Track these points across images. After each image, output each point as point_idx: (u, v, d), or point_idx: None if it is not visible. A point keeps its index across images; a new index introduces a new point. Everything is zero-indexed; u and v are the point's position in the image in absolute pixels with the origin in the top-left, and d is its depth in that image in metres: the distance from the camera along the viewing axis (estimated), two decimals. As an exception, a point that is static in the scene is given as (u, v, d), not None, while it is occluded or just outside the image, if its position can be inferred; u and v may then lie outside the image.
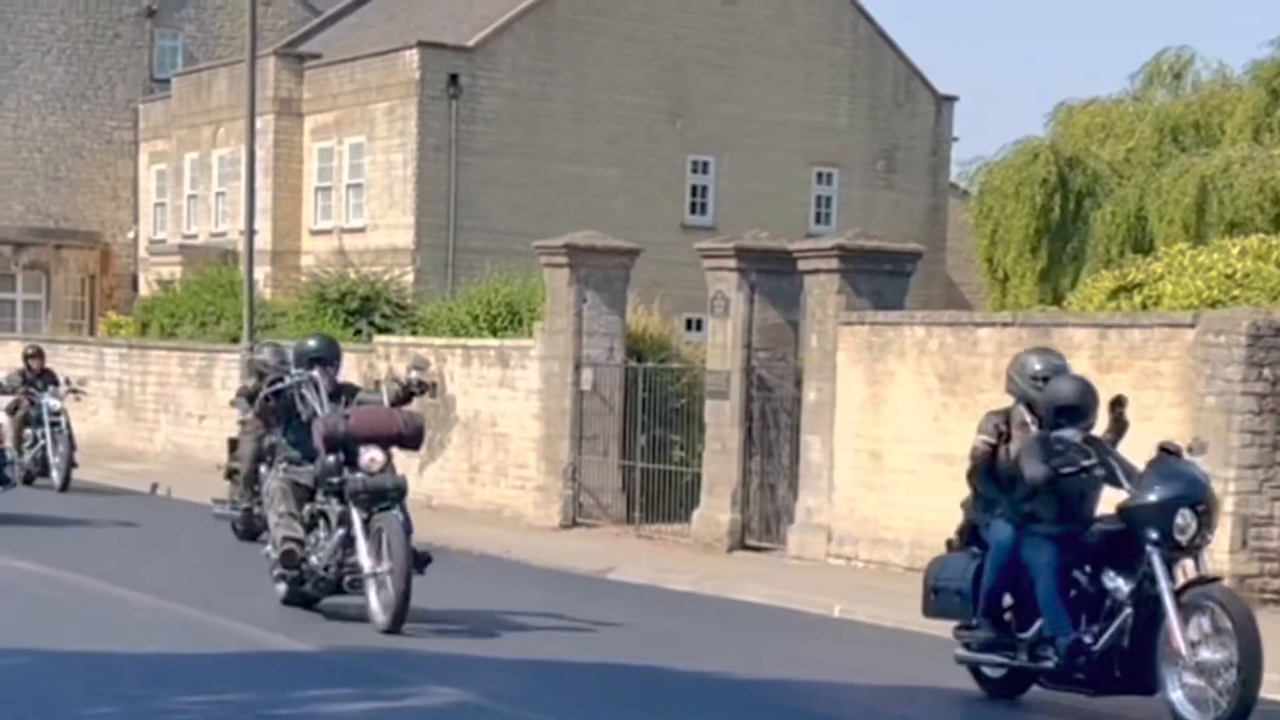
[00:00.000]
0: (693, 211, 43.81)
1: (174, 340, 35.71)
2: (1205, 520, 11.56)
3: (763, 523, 21.75)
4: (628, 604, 17.54)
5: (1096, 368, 17.71)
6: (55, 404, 27.31)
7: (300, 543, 14.86)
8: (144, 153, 50.85)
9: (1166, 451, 11.94)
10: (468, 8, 44.28)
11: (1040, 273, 39.89)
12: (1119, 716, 12.07)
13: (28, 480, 25.80)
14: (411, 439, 15.08)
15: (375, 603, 14.30)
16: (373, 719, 11.13)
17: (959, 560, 12.66)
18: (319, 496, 14.97)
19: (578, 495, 24.04)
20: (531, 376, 24.65)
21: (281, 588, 15.35)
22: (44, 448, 26.95)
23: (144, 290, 46.81)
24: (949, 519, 18.97)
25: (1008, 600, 12.28)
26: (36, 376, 27.83)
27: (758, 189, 43.21)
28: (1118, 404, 12.47)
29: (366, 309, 32.52)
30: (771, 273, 21.71)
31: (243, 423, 21.65)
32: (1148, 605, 11.47)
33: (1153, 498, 11.52)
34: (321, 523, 14.96)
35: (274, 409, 15.66)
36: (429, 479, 25.68)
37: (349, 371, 28.92)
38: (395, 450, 14.88)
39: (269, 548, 15.35)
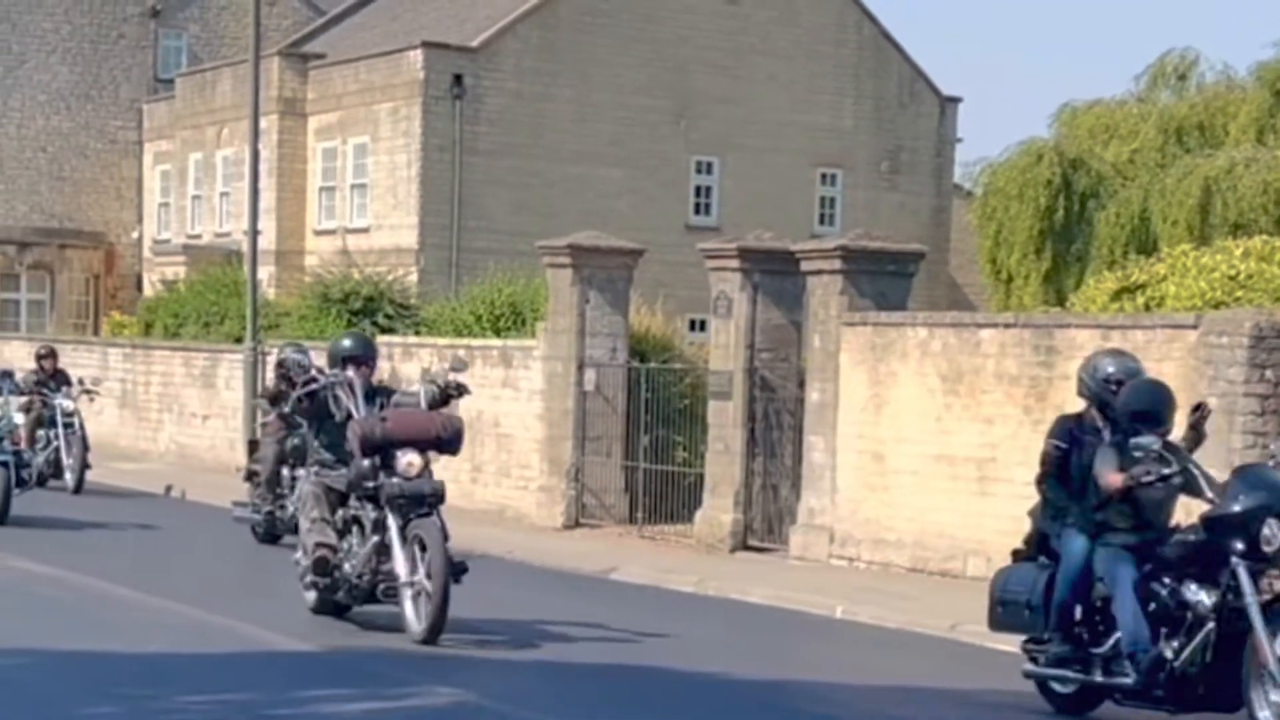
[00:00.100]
0: (696, 212, 43.80)
1: (178, 340, 35.73)
2: None
3: (765, 523, 21.75)
4: (630, 605, 17.54)
5: (1099, 369, 17.71)
6: (68, 405, 26.94)
7: (333, 549, 14.30)
8: (148, 153, 50.89)
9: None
10: (471, 8, 44.29)
11: (1044, 274, 39.83)
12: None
13: (40, 482, 25.31)
14: (450, 443, 14.44)
15: (410, 612, 13.81)
16: (373, 719, 11.13)
17: (1027, 571, 12.20)
18: (352, 501, 14.43)
19: (580, 496, 24.05)
20: (534, 377, 24.66)
21: (311, 596, 14.84)
22: (57, 449, 26.55)
23: (148, 290, 46.86)
24: (951, 520, 19.11)
25: (1077, 613, 11.84)
26: (49, 377, 27.48)
27: (762, 190, 43.21)
28: (1198, 411, 12.05)
29: (370, 309, 32.53)
30: (775, 273, 21.71)
31: (264, 424, 21.45)
32: (1232, 619, 11.02)
33: (1237, 508, 11.11)
34: (355, 529, 14.41)
35: (307, 410, 15.10)
36: (432, 479, 25.65)
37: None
38: (432, 454, 14.33)
39: (299, 554, 14.85)
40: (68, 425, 26.73)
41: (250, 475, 21.62)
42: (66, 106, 50.81)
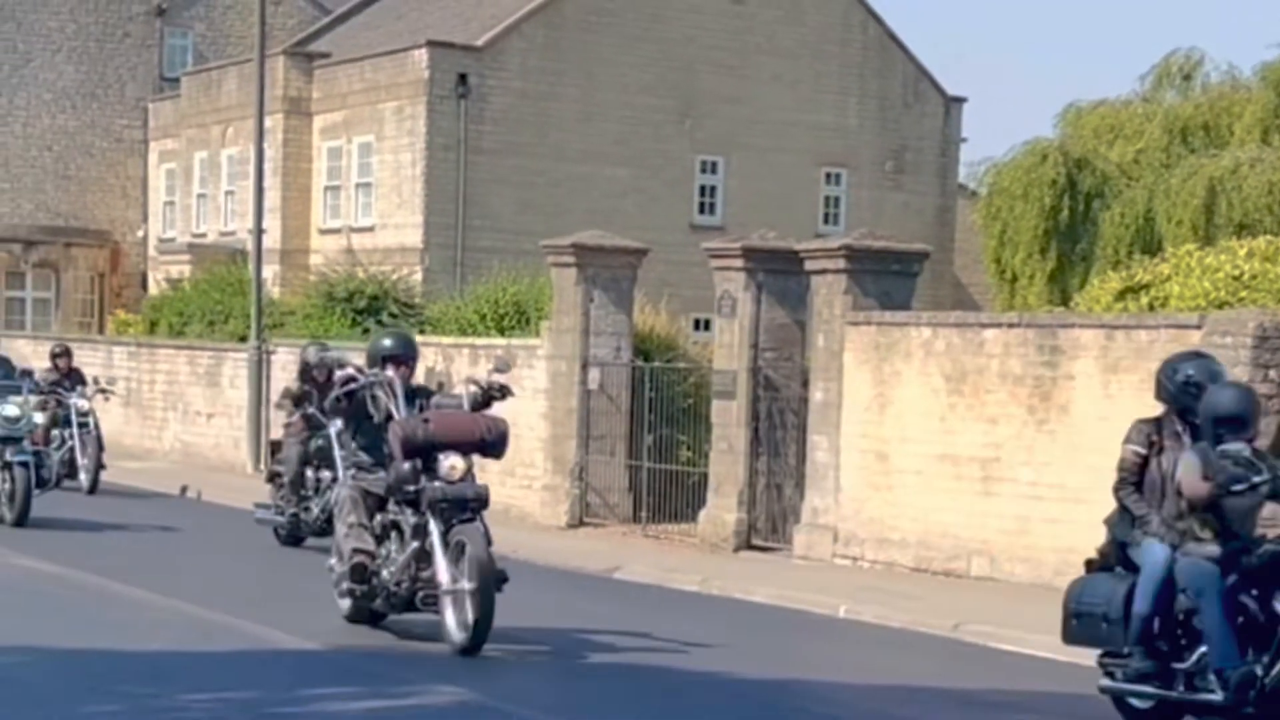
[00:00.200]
0: (701, 211, 43.79)
1: (182, 339, 35.76)
2: None
3: (769, 523, 21.76)
4: (634, 604, 17.55)
5: (1103, 368, 17.75)
6: (83, 404, 26.65)
7: (371, 555, 13.79)
8: (153, 151, 50.90)
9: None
10: (476, 7, 44.29)
11: (1049, 273, 39.82)
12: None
13: (55, 482, 24.54)
14: (495, 445, 13.84)
15: (451, 621, 13.31)
16: (376, 717, 11.14)
17: (1104, 582, 11.65)
18: (390, 506, 13.88)
19: (584, 495, 24.06)
20: (539, 376, 24.66)
21: (346, 603, 14.33)
22: (72, 449, 26.14)
23: (153, 289, 46.88)
24: (955, 520, 19.12)
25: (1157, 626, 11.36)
26: (64, 376, 27.21)
27: (766, 189, 43.21)
28: None
29: (374, 308, 32.55)
30: (779, 273, 21.71)
31: (287, 425, 21.25)
32: None
33: None
34: (393, 534, 13.86)
35: (345, 411, 14.43)
36: (436, 478, 25.66)
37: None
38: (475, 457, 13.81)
39: (333, 559, 14.36)
40: (82, 425, 26.44)
41: (272, 477, 21.34)
42: (72, 105, 50.83)
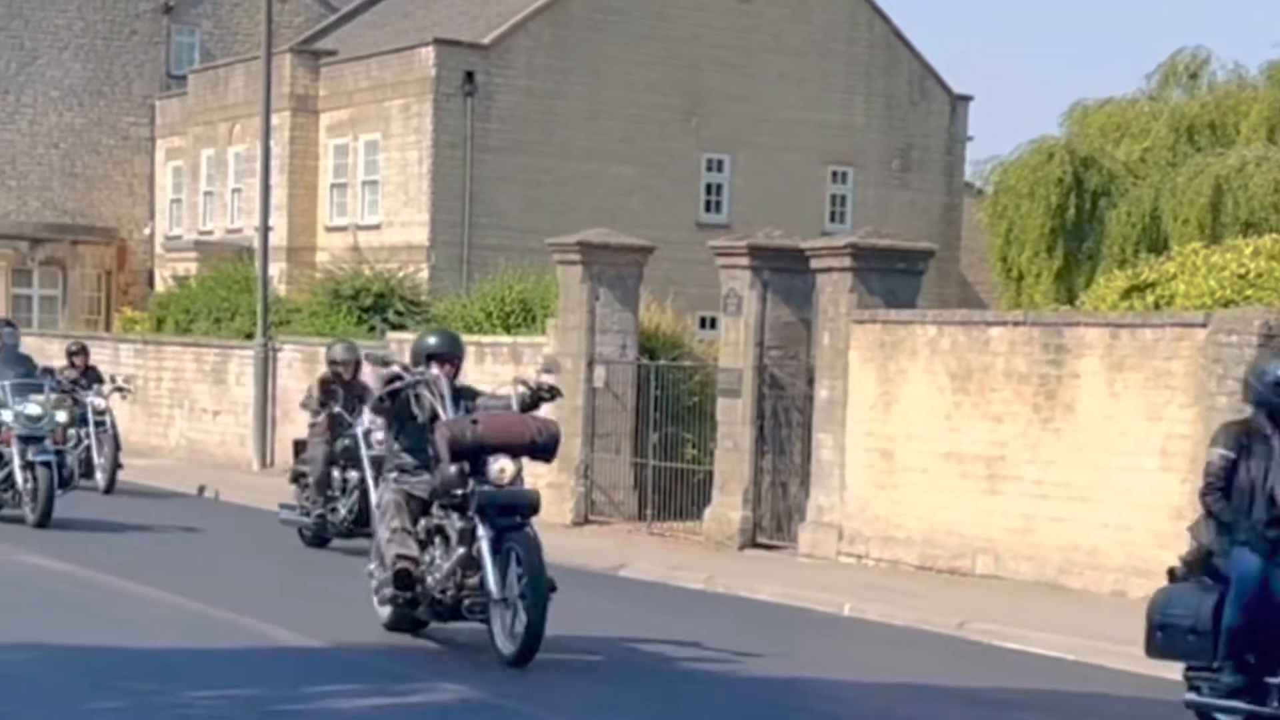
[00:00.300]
0: (707, 209, 43.80)
1: (189, 336, 35.80)
2: None
3: (774, 521, 21.76)
4: (638, 601, 17.55)
5: (1108, 367, 17.74)
6: (100, 403, 26.31)
7: (415, 561, 13.18)
8: (160, 149, 50.96)
9: None
10: (483, 5, 44.31)
11: (1055, 272, 39.86)
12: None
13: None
14: (545, 448, 13.32)
15: (500, 632, 12.81)
16: (380, 715, 11.15)
17: (1190, 593, 11.21)
18: (435, 510, 13.31)
19: (589, 492, 24.06)
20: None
21: (387, 611, 13.75)
22: (88, 448, 25.69)
23: (159, 286, 46.92)
24: (960, 518, 19.11)
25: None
26: (81, 374, 26.86)
27: (772, 187, 43.22)
28: None
29: (381, 305, 32.59)
30: (784, 271, 21.71)
31: (311, 425, 20.75)
32: None
33: None
34: (438, 540, 13.29)
35: (388, 411, 13.79)
36: (441, 476, 25.68)
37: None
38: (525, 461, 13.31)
39: (372, 564, 13.81)
40: (99, 424, 26.06)
41: (297, 477, 20.97)
42: (79, 103, 50.88)
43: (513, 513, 12.89)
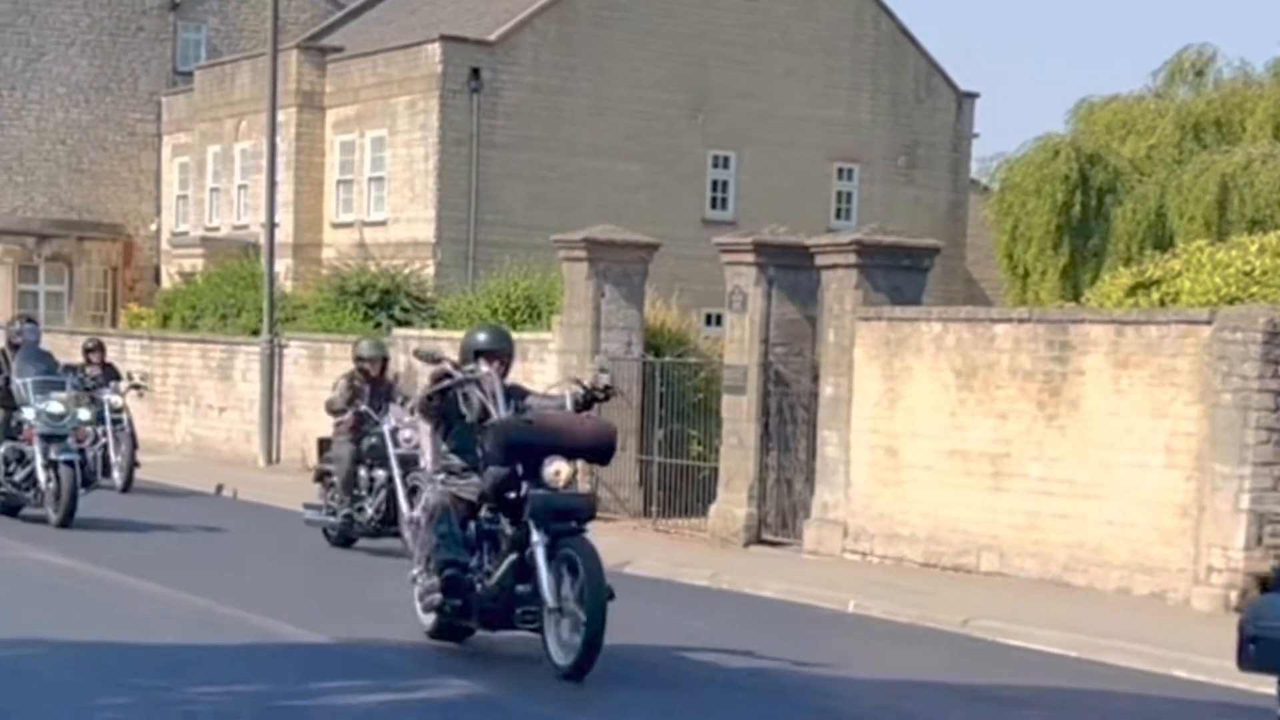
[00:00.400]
0: (713, 206, 43.82)
1: (195, 332, 35.83)
2: None
3: (779, 518, 21.78)
4: (644, 598, 17.54)
5: (1113, 364, 17.75)
6: (117, 400, 25.98)
7: (464, 567, 12.62)
8: (166, 145, 51.01)
9: None
10: (489, 2, 44.32)
11: (1061, 269, 39.86)
12: None
13: None
14: (602, 450, 12.96)
15: (554, 641, 12.20)
16: (384, 711, 11.17)
17: None
18: (484, 513, 12.78)
19: (595, 489, 24.03)
20: (549, 370, 24.67)
21: (431, 618, 13.24)
22: (105, 446, 25.00)
23: (165, 282, 46.98)
24: (965, 515, 19.13)
25: None
26: (101, 371, 26.54)
27: (778, 184, 43.23)
28: None
29: (386, 302, 32.61)
30: (790, 268, 21.73)
31: (337, 424, 20.35)
32: None
33: None
34: (486, 545, 12.75)
35: (437, 410, 13.13)
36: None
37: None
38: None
39: (416, 569, 13.32)
40: (116, 422, 25.69)
41: (321, 476, 20.58)
42: (85, 99, 50.93)
43: (568, 517, 12.28)
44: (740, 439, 21.81)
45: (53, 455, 20.59)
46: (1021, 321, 19.07)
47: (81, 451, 21.29)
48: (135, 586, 16.45)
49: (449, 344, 26.71)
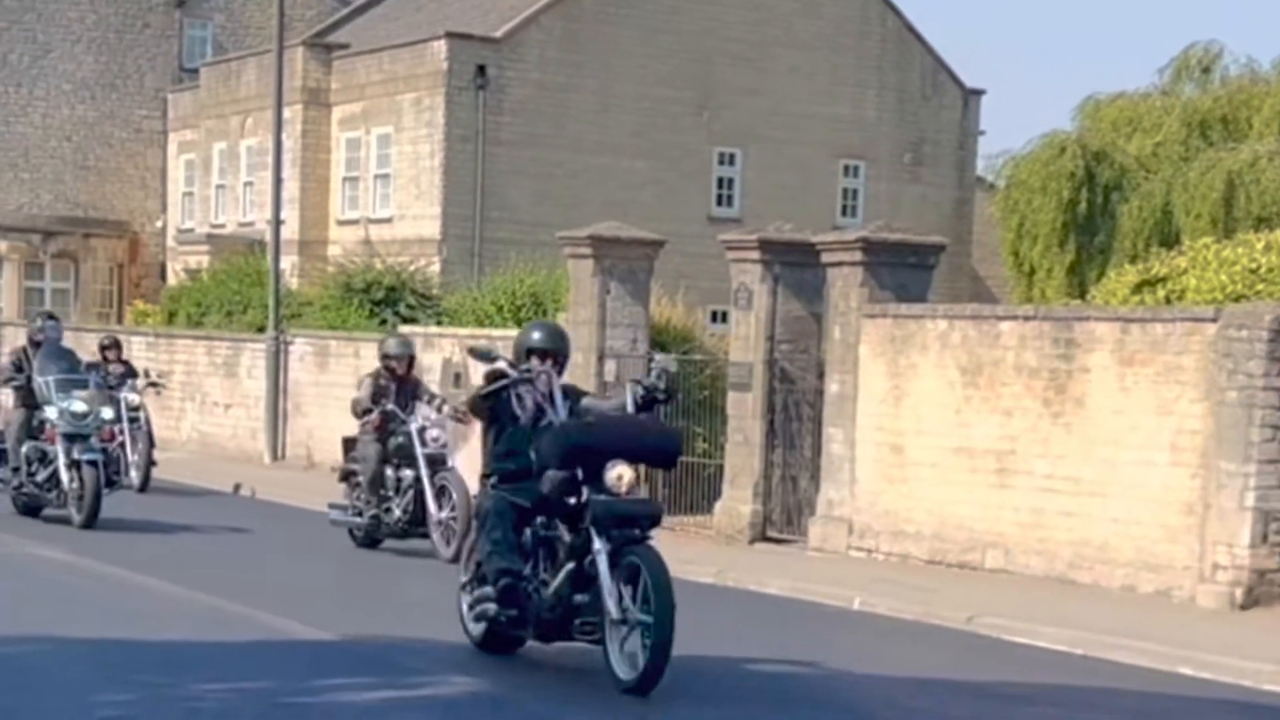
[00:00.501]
0: (719, 203, 43.81)
1: (200, 329, 35.85)
2: None
3: (784, 515, 21.78)
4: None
5: (1119, 361, 17.74)
6: (134, 398, 25.66)
7: (520, 576, 12.09)
8: (172, 142, 51.03)
9: None
10: (495, -1, 44.35)
11: (1067, 266, 39.85)
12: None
13: None
14: (665, 455, 12.58)
15: (617, 655, 11.66)
16: (389, 708, 11.17)
17: None
18: (538, 520, 12.25)
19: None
20: (555, 367, 24.64)
21: (481, 628, 12.76)
22: (121, 444, 24.53)
23: (171, 279, 46.99)
24: (970, 512, 19.12)
25: None
26: (123, 368, 26.28)
27: (784, 181, 43.23)
28: None
29: (392, 299, 32.62)
30: (795, 265, 21.73)
31: (363, 423, 19.89)
32: None
33: None
34: (542, 552, 12.24)
35: (490, 411, 12.67)
36: (452, 469, 25.70)
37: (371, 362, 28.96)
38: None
39: (464, 577, 12.92)
40: (133, 420, 25.38)
41: (346, 476, 20.18)
42: (91, 96, 50.94)
43: (632, 524, 11.73)
44: (745, 436, 21.80)
45: (76, 455, 20.27)
46: (1027, 319, 19.05)
47: (105, 451, 20.99)
48: (154, 586, 16.42)
49: (452, 340, 26.85)
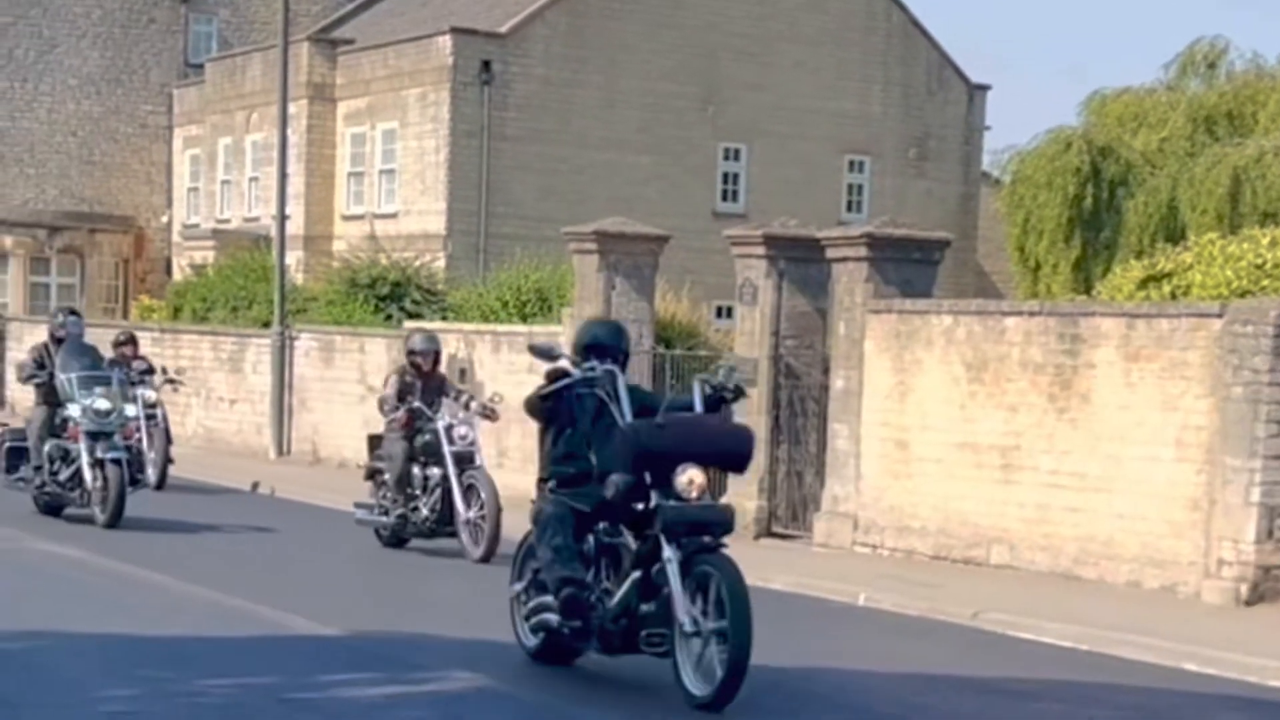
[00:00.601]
0: (724, 199, 43.81)
1: (206, 324, 35.86)
2: None
3: (789, 510, 21.77)
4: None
5: (1124, 357, 17.73)
6: (151, 395, 25.21)
7: (583, 585, 11.61)
8: (178, 137, 51.04)
9: None
10: (500, -6, 44.33)
11: (1073, 262, 39.83)
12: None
13: None
14: (738, 458, 11.92)
15: (689, 668, 11.17)
16: (392, 703, 11.17)
17: None
18: (601, 526, 11.81)
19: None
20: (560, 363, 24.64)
21: (535, 639, 12.35)
22: (139, 441, 23.70)
23: (177, 274, 47.03)
24: (975, 508, 19.11)
25: None
26: (145, 365, 26.02)
27: (789, 176, 43.21)
28: None
29: (397, 294, 32.62)
30: (800, 260, 21.71)
31: (389, 421, 19.49)
32: None
33: None
34: (604, 560, 11.79)
35: (550, 412, 12.18)
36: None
37: (376, 358, 28.97)
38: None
39: (518, 585, 12.48)
40: (150, 417, 24.93)
41: (372, 474, 19.83)
42: (97, 91, 50.96)
43: (704, 531, 11.19)
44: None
45: (99, 453, 19.94)
46: (1032, 314, 19.04)
47: (129, 449, 20.63)
48: (167, 584, 16.39)
49: (457, 335, 26.84)
